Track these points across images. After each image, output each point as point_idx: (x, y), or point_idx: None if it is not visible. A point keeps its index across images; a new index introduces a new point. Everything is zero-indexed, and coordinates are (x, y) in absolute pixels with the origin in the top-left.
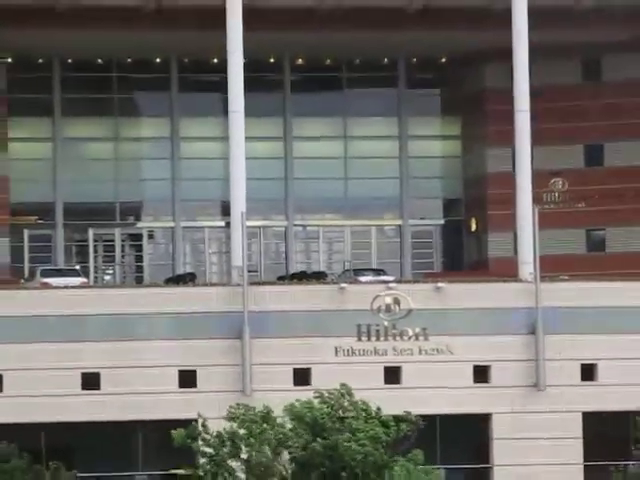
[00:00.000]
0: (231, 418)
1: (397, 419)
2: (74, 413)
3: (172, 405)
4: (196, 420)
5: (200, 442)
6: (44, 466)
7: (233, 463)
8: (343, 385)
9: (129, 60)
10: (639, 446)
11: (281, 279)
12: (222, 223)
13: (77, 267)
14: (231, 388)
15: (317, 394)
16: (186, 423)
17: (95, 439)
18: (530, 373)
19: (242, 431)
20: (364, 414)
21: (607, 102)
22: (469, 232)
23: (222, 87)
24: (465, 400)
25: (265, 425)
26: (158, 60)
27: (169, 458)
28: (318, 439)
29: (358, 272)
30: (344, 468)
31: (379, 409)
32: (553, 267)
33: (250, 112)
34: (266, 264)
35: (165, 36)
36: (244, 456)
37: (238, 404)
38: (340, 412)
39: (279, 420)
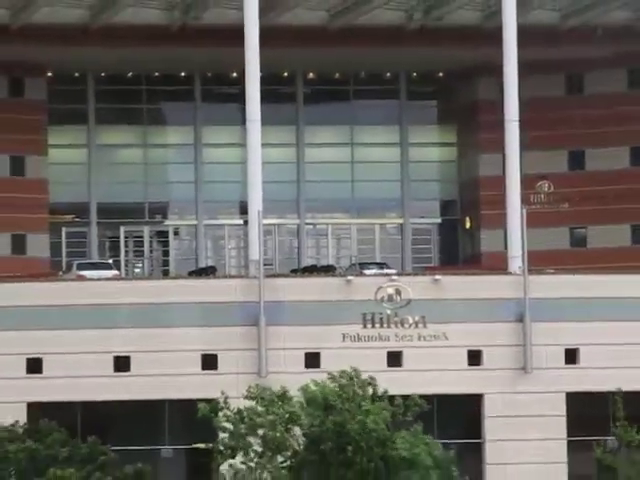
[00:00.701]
0: (250, 397)
1: (405, 400)
2: (107, 393)
3: (195, 385)
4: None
5: (221, 417)
6: (80, 440)
7: (250, 438)
8: (353, 368)
9: (156, 74)
10: (618, 424)
11: (294, 272)
12: (240, 221)
13: (110, 261)
14: (248, 370)
15: (330, 376)
16: (208, 402)
17: (126, 417)
18: (518, 357)
19: (260, 409)
20: (371, 392)
21: (588, 113)
22: (464, 230)
23: (241, 98)
24: (460, 381)
25: (281, 404)
26: (183, 74)
27: (192, 434)
28: (330, 417)
29: (363, 266)
30: (349, 443)
31: (386, 391)
32: (540, 261)
33: (266, 121)
34: (280, 258)
35: (189, 52)
36: (260, 432)
37: (257, 385)
38: (350, 392)
39: (295, 400)
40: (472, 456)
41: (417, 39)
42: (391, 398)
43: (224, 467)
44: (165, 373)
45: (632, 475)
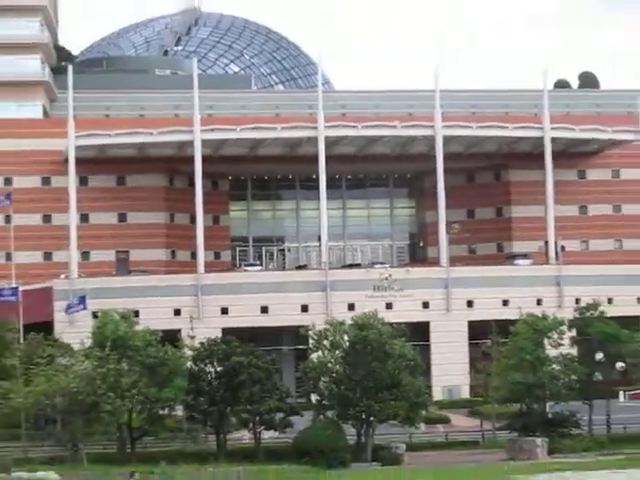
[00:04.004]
0: (326, 323)
1: (393, 325)
2: (256, 323)
3: (298, 319)
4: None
5: (311, 333)
6: (245, 345)
7: (325, 342)
8: (372, 311)
9: (279, 176)
10: (492, 335)
11: (342, 267)
12: (317, 244)
13: (258, 262)
14: (322, 312)
15: (361, 315)
16: (305, 327)
17: (266, 334)
18: (445, 304)
19: (330, 329)
20: (380, 323)
21: (476, 192)
22: (419, 247)
23: (317, 187)
24: (419, 315)
25: (340, 326)
26: (290, 176)
27: (297, 342)
28: (362, 332)
29: (374, 263)
30: (371, 344)
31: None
32: (456, 260)
33: (329, 197)
34: (335, 261)
35: (294, 167)
36: (330, 339)
37: (329, 318)
38: (371, 321)
39: (346, 324)
40: (426, 351)
41: (397, 159)
42: (390, 324)
43: (312, 356)
44: (284, 314)
45: (498, 357)
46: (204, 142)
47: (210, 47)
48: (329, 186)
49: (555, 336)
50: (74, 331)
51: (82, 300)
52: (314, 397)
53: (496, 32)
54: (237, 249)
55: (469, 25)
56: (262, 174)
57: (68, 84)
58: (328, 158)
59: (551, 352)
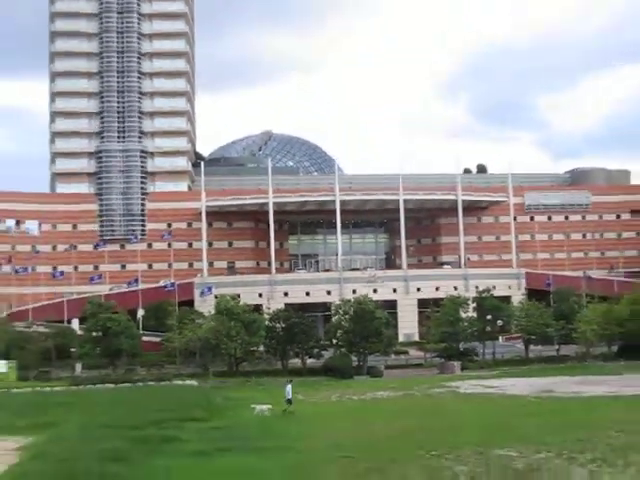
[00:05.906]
0: (340, 300)
1: (377, 302)
2: (302, 300)
3: (326, 299)
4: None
5: (333, 306)
6: (295, 314)
7: (339, 311)
8: (365, 295)
9: (314, 221)
10: (431, 306)
11: (349, 270)
12: (335, 257)
13: (304, 268)
14: (338, 295)
15: (359, 296)
16: (330, 303)
17: (308, 307)
18: (405, 290)
19: (342, 305)
20: (370, 300)
21: (421, 230)
22: (391, 259)
23: (335, 227)
24: (391, 296)
25: (347, 302)
26: (320, 221)
27: (325, 311)
28: (359, 305)
29: (366, 268)
30: (367, 312)
31: (372, 300)
32: (411, 266)
33: (342, 232)
34: (346, 266)
35: (323, 216)
36: (343, 308)
37: (342, 299)
38: (365, 299)
39: (351, 301)
40: (394, 315)
41: (379, 212)
42: (375, 301)
43: (333, 319)
44: (318, 296)
45: (434, 318)
46: (274, 203)
47: (277, 152)
48: (342, 226)
49: (465, 307)
50: (205, 305)
51: (210, 289)
52: (334, 341)
53: (440, 136)
54: (292, 261)
55: (420, 135)
56: (306, 220)
57: (201, 173)
58: (341, 211)
59: (463, 315)
